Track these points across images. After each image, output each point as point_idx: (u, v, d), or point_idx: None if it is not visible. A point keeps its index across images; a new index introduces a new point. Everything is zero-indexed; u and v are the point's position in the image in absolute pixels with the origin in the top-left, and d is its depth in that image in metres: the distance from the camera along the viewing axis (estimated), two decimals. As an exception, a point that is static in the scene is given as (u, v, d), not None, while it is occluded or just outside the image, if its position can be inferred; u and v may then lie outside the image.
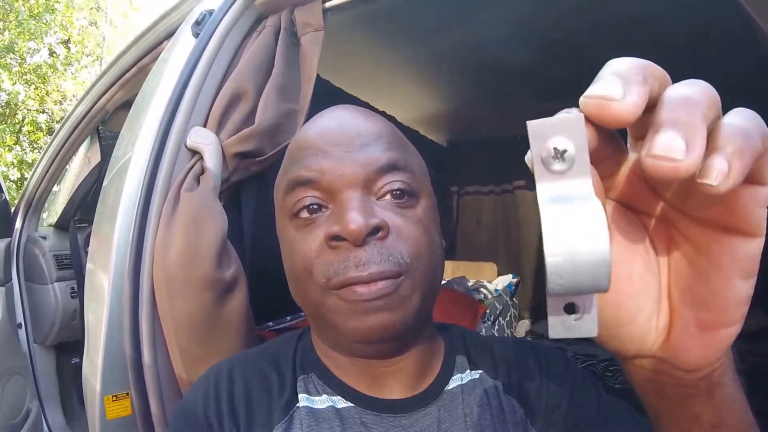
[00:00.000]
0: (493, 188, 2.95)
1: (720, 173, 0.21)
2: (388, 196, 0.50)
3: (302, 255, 0.49)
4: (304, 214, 0.50)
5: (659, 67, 0.24)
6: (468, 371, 0.57)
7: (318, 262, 0.48)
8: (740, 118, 0.23)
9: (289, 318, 1.21)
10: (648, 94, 0.22)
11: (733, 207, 0.24)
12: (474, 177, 3.00)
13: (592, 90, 0.23)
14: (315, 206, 0.49)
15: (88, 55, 8.93)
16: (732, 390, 0.31)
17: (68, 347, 1.99)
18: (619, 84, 0.22)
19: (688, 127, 0.21)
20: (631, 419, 0.53)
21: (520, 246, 2.83)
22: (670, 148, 0.21)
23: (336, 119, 0.53)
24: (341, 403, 0.52)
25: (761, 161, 0.23)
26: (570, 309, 0.24)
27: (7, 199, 2.01)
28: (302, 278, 0.49)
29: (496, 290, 2.45)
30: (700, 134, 0.21)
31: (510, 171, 2.81)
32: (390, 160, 0.50)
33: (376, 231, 0.47)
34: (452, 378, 0.55)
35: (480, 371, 0.57)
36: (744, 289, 0.26)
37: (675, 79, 0.24)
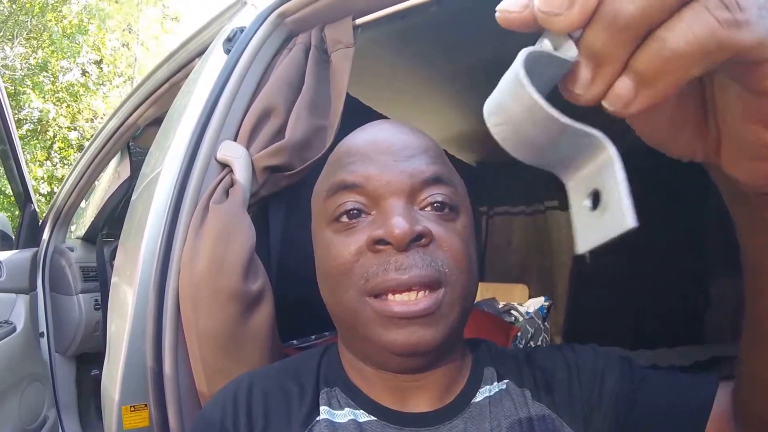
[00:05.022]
0: (523, 209, 2.85)
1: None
2: (430, 207, 0.51)
3: (340, 258, 0.49)
4: (344, 219, 0.50)
5: None
6: (495, 383, 0.56)
7: (357, 265, 0.48)
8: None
9: (313, 337, 1.19)
10: None
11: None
12: (503, 197, 2.91)
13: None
14: (355, 211, 0.50)
15: (119, 76, 9.22)
16: None
17: (89, 358, 2.01)
18: None
19: None
20: (670, 375, 0.53)
21: (552, 268, 2.70)
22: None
23: (384, 131, 0.55)
24: (363, 417, 0.52)
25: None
26: (595, 200, 0.22)
27: (37, 210, 2.06)
28: (338, 281, 0.50)
29: (527, 313, 2.36)
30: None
31: (541, 191, 2.69)
32: (435, 173, 0.51)
33: (419, 237, 0.47)
34: (479, 390, 0.55)
35: (506, 381, 0.56)
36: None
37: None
